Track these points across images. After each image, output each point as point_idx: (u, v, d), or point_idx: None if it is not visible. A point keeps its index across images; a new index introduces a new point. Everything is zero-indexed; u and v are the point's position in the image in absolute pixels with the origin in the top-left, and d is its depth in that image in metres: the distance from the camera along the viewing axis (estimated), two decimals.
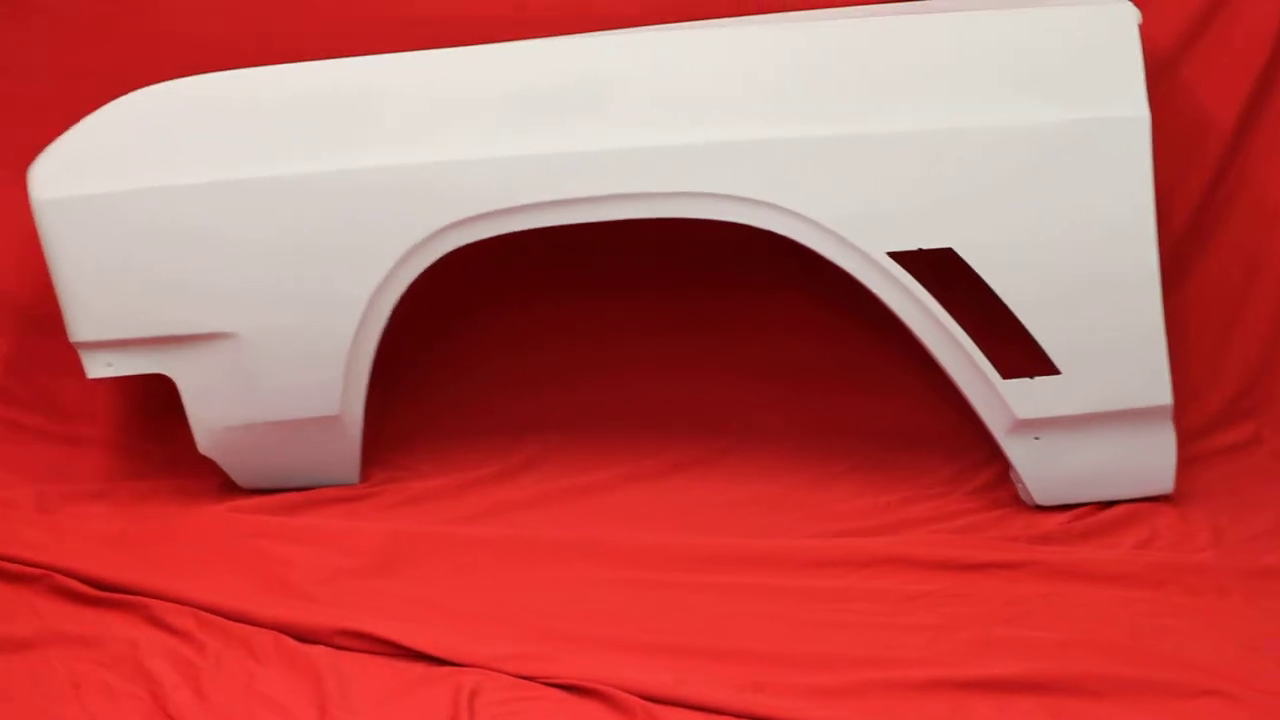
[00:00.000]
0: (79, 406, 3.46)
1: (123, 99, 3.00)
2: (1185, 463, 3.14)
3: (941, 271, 2.98)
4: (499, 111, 2.98)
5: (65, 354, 3.11)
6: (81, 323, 3.03)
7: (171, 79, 3.01)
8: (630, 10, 3.35)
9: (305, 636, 2.73)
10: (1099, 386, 3.01)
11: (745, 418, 3.43)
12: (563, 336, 3.54)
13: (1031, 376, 3.00)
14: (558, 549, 3.00)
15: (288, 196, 2.97)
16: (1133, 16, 2.96)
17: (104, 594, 2.85)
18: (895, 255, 2.96)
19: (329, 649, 2.71)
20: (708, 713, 2.52)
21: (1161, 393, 3.02)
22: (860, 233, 2.95)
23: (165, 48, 3.40)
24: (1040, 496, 3.11)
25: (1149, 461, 3.09)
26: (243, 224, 2.98)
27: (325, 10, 3.44)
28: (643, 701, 2.53)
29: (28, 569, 2.90)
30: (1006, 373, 3.00)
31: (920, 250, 2.95)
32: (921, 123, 2.94)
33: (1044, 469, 3.09)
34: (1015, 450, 3.08)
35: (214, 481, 3.27)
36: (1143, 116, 2.93)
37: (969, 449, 3.31)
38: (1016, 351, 3.01)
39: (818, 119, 2.95)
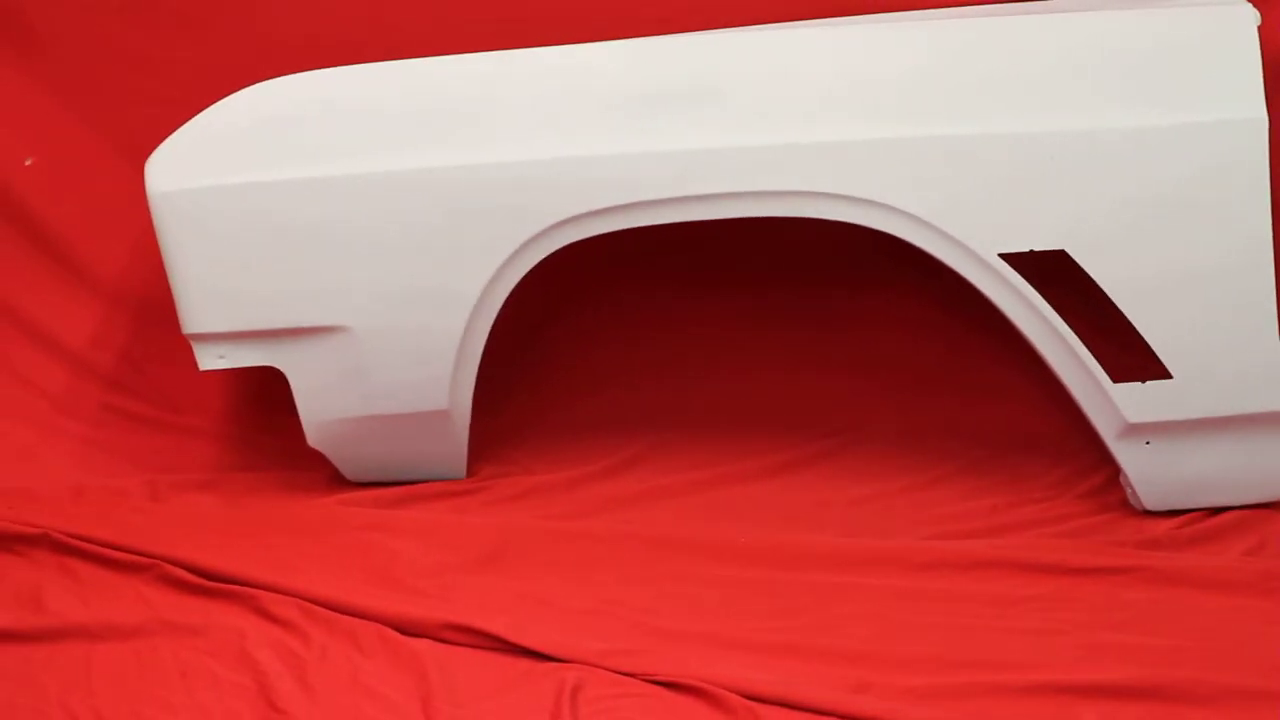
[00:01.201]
0: (190, 397, 3.50)
1: (239, 93, 3.02)
2: None
3: (1049, 272, 2.95)
4: (613, 108, 2.97)
5: (178, 345, 3.14)
6: (195, 314, 3.06)
7: (286, 74, 3.03)
8: (750, 7, 3.35)
9: (410, 630, 2.75)
10: (1212, 391, 2.98)
11: (853, 417, 3.41)
12: (672, 333, 3.54)
13: (1143, 381, 2.98)
14: (663, 546, 3.00)
15: (402, 191, 2.98)
16: (1252, 18, 2.93)
17: (211, 584, 2.87)
18: (1006, 256, 2.94)
19: (434, 643, 2.72)
20: (811, 713, 2.51)
21: (1275, 398, 2.99)
22: (972, 234, 2.94)
23: (280, 41, 3.43)
24: (1150, 502, 3.09)
25: (1261, 468, 3.06)
26: (357, 218, 2.99)
27: (440, 7, 3.46)
28: (745, 700, 2.53)
29: (137, 558, 2.93)
30: (1117, 376, 2.98)
31: (1032, 251, 2.94)
32: (1035, 124, 2.92)
33: (1154, 474, 3.06)
34: (1125, 455, 3.05)
35: (322, 474, 3.30)
36: (1260, 118, 2.90)
37: (1078, 452, 3.28)
38: (1127, 355, 2.98)
39: (932, 119, 2.93)
